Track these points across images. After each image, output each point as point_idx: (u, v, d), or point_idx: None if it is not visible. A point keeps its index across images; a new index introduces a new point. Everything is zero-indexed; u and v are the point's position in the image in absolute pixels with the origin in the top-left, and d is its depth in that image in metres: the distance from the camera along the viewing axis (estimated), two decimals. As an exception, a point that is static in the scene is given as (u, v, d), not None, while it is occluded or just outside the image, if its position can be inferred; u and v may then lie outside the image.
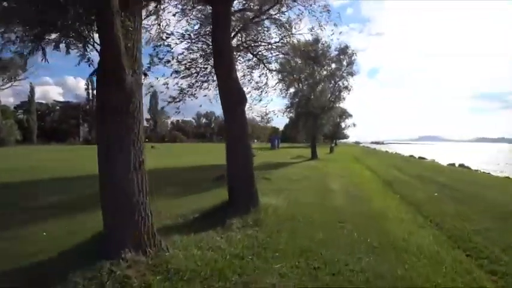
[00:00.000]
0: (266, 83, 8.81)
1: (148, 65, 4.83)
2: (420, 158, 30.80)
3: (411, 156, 34.27)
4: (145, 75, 4.15)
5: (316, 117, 22.60)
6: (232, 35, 6.41)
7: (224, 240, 4.57)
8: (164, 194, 8.60)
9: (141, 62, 3.79)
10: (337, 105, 23.39)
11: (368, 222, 5.90)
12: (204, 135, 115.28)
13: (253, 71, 8.82)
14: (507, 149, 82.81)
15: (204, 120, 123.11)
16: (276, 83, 10.11)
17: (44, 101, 78.18)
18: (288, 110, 23.08)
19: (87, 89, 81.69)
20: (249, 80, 8.89)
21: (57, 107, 78.18)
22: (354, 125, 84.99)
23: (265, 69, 8.96)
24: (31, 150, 33.82)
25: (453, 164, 22.57)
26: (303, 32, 7.82)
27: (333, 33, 8.18)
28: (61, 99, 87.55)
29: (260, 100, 9.00)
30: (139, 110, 3.56)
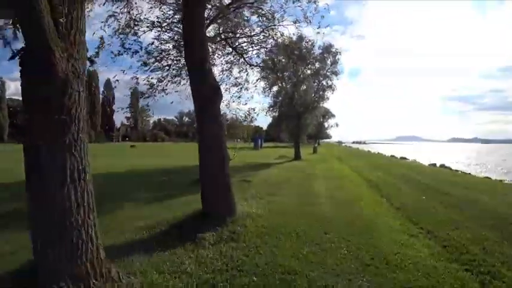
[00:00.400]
0: (246, 79, 8.12)
1: (97, 51, 4.03)
2: (402, 158, 31.05)
3: (393, 156, 34.58)
4: (92, 61, 3.37)
5: (300, 116, 22.13)
6: (206, 23, 5.69)
7: (193, 261, 3.87)
8: (133, 200, 7.79)
9: (85, 46, 3.01)
10: (321, 104, 23.01)
11: (357, 233, 5.35)
12: (187, 134, 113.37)
13: (233, 66, 8.11)
14: (484, 150, 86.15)
15: (186, 119, 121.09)
16: (257, 79, 9.44)
17: (16, 97, 74.05)
18: (271, 109, 22.56)
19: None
20: (227, 76, 8.19)
21: (31, 104, 74.20)
22: (337, 125, 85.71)
23: (246, 64, 8.28)
24: (-3, 150, 31.69)
25: (434, 165, 22.72)
26: (286, 24, 7.17)
27: (319, 27, 7.52)
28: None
29: (239, 97, 8.31)
30: (78, 105, 2.79)
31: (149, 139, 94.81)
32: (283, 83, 22.10)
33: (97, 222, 3.11)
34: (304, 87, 21.99)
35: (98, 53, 3.91)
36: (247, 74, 8.20)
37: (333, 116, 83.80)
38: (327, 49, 21.28)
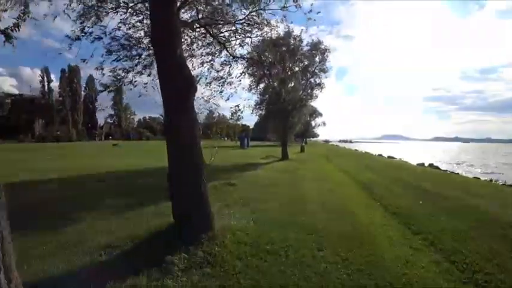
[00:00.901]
0: (229, 72, 7.28)
1: (16, 21, 3.07)
2: (389, 157, 30.91)
3: (380, 155, 34.45)
4: (8, 36, 2.46)
5: (288, 115, 21.42)
6: (179, 3, 4.81)
7: (155, 297, 3.03)
8: (100, 209, 6.84)
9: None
10: (309, 102, 22.35)
11: (355, 247, 4.64)
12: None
13: (214, 58, 7.25)
14: (470, 149, 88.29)
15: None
16: (242, 73, 8.57)
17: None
18: (258, 107, 21.75)
19: (42, 81, 75.12)
20: (208, 69, 7.32)
21: (7, 100, 70.72)
22: (324, 123, 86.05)
23: (229, 56, 7.45)
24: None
25: (423, 164, 22.51)
26: (273, 9, 6.35)
27: (311, 11, 6.69)
28: (15, 91, 79.25)
29: (221, 92, 7.45)
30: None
31: (133, 137, 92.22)
32: (271, 80, 21.35)
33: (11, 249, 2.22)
34: (292, 84, 21.30)
35: (17, 25, 2.96)
36: (230, 67, 7.39)
37: (320, 114, 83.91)
38: (316, 46, 20.64)
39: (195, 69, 7.10)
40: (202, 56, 7.09)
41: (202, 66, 7.27)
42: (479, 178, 16.09)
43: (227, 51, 7.33)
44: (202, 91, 8.25)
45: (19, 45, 2.63)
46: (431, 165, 21.75)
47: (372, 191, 10.06)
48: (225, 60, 7.49)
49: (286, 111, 21.32)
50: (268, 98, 21.66)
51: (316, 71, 21.31)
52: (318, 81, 21.43)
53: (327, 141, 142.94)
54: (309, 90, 21.67)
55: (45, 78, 76.00)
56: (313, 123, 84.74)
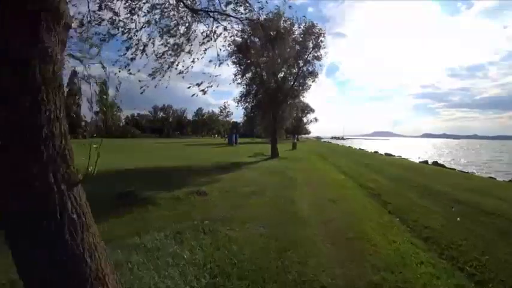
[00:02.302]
0: (186, 34, 4.84)
1: None
2: (387, 154, 28.88)
3: (376, 152, 32.41)
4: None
5: (277, 107, 19.01)
6: None
7: None
8: None
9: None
10: (301, 93, 19.92)
11: None
12: (162, 129, 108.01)
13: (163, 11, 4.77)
14: (461, 145, 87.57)
15: (161, 114, 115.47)
16: (206, 37, 6.02)
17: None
18: (244, 99, 19.27)
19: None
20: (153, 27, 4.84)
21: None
22: (316, 119, 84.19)
23: (187, 11, 4.99)
24: None
25: (426, 162, 20.49)
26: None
27: None
28: None
29: (174, 64, 4.99)
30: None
31: (119, 135, 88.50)
32: (258, 69, 18.92)
33: None
34: (282, 74, 18.95)
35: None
36: (187, 26, 4.97)
37: (312, 110, 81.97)
38: (309, 29, 18.23)
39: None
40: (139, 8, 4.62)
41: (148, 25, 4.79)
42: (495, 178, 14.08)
43: (184, 3, 4.88)
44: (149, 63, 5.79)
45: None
46: (436, 163, 19.71)
47: (384, 200, 7.79)
48: (182, 18, 5.02)
49: (276, 103, 18.92)
50: (256, 88, 19.24)
51: (309, 58, 18.92)
52: (310, 70, 18.99)
53: (318, 138, 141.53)
54: (301, 80, 19.27)
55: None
56: (304, 119, 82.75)
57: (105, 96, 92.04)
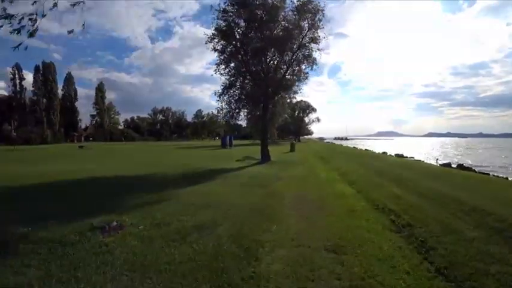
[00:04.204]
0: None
1: None
2: (398, 155, 25.34)
3: (384, 153, 28.81)
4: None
5: (267, 101, 15.65)
6: None
7: None
8: None
9: None
10: (296, 85, 16.48)
11: None
12: (161, 132, 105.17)
13: None
14: (476, 144, 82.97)
15: (160, 117, 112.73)
16: None
17: None
18: (226, 92, 15.93)
19: (13, 78, 68.34)
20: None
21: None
22: (318, 119, 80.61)
23: None
24: None
25: (448, 165, 16.99)
26: None
27: None
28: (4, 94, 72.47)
29: None
30: None
31: (116, 139, 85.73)
32: (243, 56, 15.64)
33: None
34: (271, 60, 15.63)
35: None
36: None
37: (314, 110, 78.48)
38: (304, 6, 14.89)
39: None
40: None
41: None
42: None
43: None
44: None
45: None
46: (461, 166, 16.21)
47: (424, 243, 4.42)
48: None
49: (266, 96, 15.58)
50: (241, 79, 15.95)
51: (304, 42, 15.53)
52: (306, 54, 15.51)
53: (321, 139, 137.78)
54: (296, 67, 15.87)
55: (17, 74, 69.38)
56: (306, 119, 79.25)
57: (101, 99, 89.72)
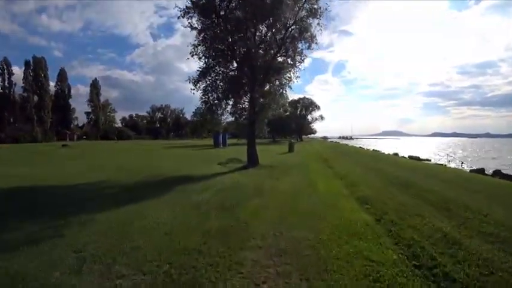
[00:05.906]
0: None
1: None
2: (412, 157, 21.95)
3: (396, 154, 25.36)
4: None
5: (254, 89, 12.36)
6: None
7: None
8: None
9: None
10: (289, 68, 13.04)
11: None
12: (159, 131, 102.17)
13: None
14: (489, 145, 78.62)
15: (159, 115, 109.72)
16: None
17: None
18: (203, 77, 12.65)
19: (1, 73, 65.55)
20: None
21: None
22: (322, 117, 76.58)
23: None
24: None
25: (482, 171, 13.63)
26: None
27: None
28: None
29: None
30: None
31: (110, 137, 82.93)
32: (225, 34, 12.39)
33: None
34: (259, 39, 12.35)
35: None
36: None
37: (318, 107, 74.75)
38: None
39: None
40: None
41: None
42: None
43: None
44: None
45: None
46: (499, 173, 12.85)
47: None
48: None
49: (252, 82, 12.30)
50: (223, 61, 12.68)
51: (301, 15, 12.22)
52: (304, 27, 12.10)
53: (325, 138, 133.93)
54: (290, 44, 12.50)
55: (6, 69, 66.57)
56: (309, 117, 75.33)
57: (96, 96, 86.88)
